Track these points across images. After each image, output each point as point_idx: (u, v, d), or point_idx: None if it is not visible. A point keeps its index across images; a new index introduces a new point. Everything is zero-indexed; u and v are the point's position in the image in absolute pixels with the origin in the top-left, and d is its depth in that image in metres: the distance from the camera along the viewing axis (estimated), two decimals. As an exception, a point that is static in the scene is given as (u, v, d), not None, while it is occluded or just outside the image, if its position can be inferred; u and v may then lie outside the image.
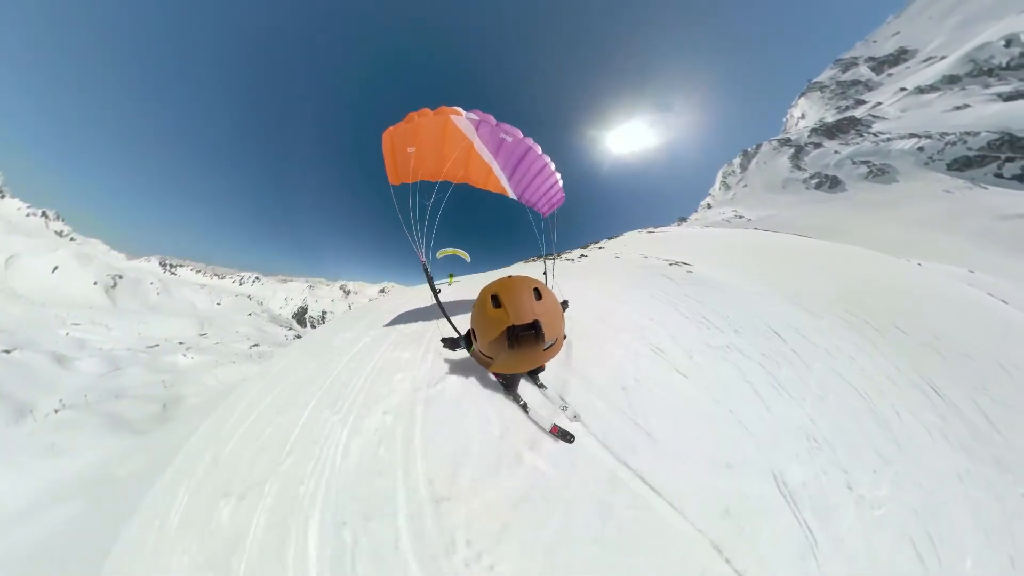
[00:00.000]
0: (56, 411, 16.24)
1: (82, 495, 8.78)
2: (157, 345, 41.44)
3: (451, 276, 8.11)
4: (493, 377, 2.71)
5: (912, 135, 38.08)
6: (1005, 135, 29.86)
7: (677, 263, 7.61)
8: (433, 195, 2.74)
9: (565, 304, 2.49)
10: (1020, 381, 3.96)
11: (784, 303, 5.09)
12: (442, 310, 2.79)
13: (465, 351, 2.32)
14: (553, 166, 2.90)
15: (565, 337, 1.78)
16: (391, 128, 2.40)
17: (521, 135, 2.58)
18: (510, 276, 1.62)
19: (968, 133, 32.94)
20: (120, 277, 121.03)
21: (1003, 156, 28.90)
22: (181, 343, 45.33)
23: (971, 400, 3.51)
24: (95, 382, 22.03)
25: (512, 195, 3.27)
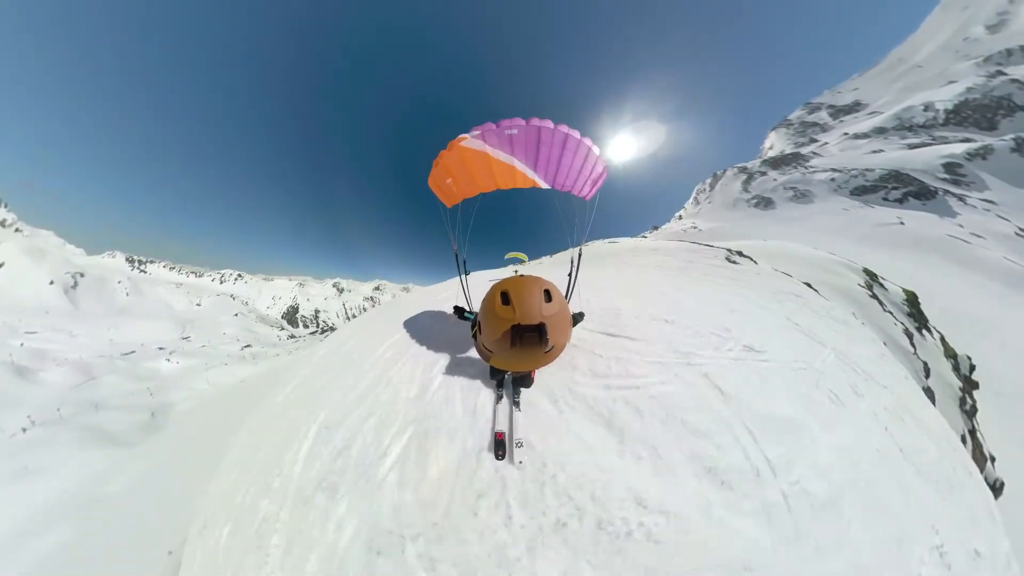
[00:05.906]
0: (24, 429, 14.89)
1: (68, 518, 7.88)
2: (134, 351, 39.09)
3: (516, 272, 10.37)
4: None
5: (831, 168, 50.42)
6: (893, 172, 43.45)
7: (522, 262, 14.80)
8: (473, 207, 3.47)
9: (580, 316, 2.46)
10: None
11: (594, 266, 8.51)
12: (463, 287, 3.42)
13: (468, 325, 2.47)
14: (579, 135, 2.77)
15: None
16: (431, 173, 3.12)
17: (525, 123, 2.68)
18: (522, 275, 1.65)
19: (867, 169, 45.97)
20: (81, 275, 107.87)
21: (890, 186, 42.26)
22: (162, 348, 42.87)
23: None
24: (68, 394, 20.36)
25: (543, 184, 3.22)
